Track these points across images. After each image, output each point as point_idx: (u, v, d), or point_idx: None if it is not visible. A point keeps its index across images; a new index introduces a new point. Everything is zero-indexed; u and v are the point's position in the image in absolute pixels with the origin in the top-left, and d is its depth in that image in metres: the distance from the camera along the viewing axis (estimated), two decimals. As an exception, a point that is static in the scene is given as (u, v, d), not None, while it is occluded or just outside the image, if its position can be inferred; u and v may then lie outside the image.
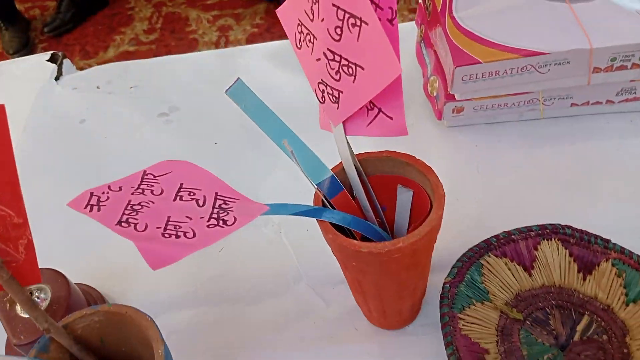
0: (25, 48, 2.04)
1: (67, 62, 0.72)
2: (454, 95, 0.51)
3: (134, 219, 0.33)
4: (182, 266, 0.41)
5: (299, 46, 0.36)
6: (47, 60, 0.72)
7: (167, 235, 0.31)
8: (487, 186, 0.51)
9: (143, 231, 0.32)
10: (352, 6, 0.30)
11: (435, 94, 0.54)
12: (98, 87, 0.67)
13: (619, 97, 0.52)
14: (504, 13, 0.50)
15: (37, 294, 0.41)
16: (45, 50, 2.06)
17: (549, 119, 0.54)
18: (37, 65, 0.72)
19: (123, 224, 0.32)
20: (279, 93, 0.63)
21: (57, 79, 0.70)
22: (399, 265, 0.34)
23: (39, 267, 0.31)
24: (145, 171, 0.37)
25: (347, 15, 0.31)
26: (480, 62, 0.47)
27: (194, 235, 0.32)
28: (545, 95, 0.51)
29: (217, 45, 1.95)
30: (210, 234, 0.32)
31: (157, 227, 0.33)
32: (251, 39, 1.95)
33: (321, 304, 0.46)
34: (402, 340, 0.43)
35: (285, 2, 0.36)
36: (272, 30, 1.97)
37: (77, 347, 0.32)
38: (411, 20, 1.90)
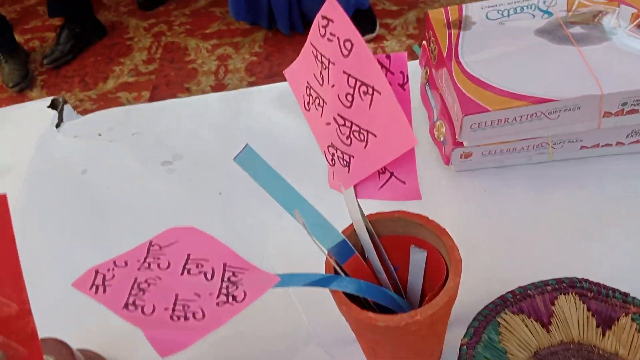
0: (25, 80, 2.04)
1: (67, 108, 0.72)
2: (460, 142, 0.50)
3: (141, 300, 0.32)
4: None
5: (307, 108, 0.35)
6: (48, 107, 0.71)
7: (175, 318, 0.30)
8: (499, 234, 0.50)
9: (151, 314, 0.31)
10: (364, 75, 0.29)
11: (442, 139, 0.53)
12: (99, 135, 0.67)
13: (630, 139, 0.51)
14: (511, 58, 0.49)
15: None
16: (44, 82, 2.06)
17: (558, 162, 0.53)
18: (37, 111, 0.71)
19: (130, 307, 0.31)
20: (284, 138, 0.62)
21: (57, 126, 0.69)
22: (417, 336, 0.33)
23: (40, 336, 0.29)
24: (151, 242, 0.36)
25: (358, 83, 0.30)
26: (489, 111, 0.46)
27: (204, 316, 0.31)
28: (555, 139, 0.50)
29: (216, 75, 1.95)
30: (220, 314, 0.31)
31: (165, 309, 0.31)
32: (250, 68, 1.95)
33: (332, 363, 0.45)
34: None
35: (293, 64, 0.35)
36: (271, 59, 1.98)
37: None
38: (409, 46, 1.89)
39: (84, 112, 0.81)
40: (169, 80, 1.96)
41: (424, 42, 0.58)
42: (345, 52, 0.29)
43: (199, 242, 0.36)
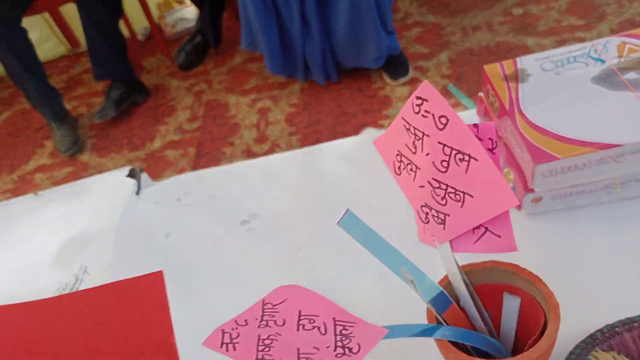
0: (76, 145, 2.15)
1: (144, 176, 0.77)
2: (531, 189, 0.52)
3: (269, 355, 0.35)
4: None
5: (398, 173, 0.39)
6: (127, 176, 0.76)
7: (304, 370, 0.33)
8: (576, 275, 0.52)
9: (279, 370, 0.34)
10: (461, 145, 0.33)
11: (511, 185, 0.56)
12: (178, 200, 0.71)
13: (695, 174, 0.53)
14: (572, 106, 0.52)
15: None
16: (94, 146, 2.16)
17: (627, 200, 0.55)
18: (115, 180, 0.76)
19: (259, 361, 0.34)
20: (359, 193, 0.65)
21: (137, 193, 0.74)
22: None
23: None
24: (264, 301, 0.39)
25: (454, 152, 0.33)
26: (559, 159, 0.48)
27: (327, 367, 0.34)
28: (622, 179, 0.53)
29: (257, 127, 2.02)
30: (342, 364, 0.34)
31: (291, 361, 0.34)
32: (290, 118, 2.02)
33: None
34: None
35: (383, 135, 0.39)
36: (309, 108, 2.04)
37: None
38: (444, 86, 1.93)
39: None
40: (213, 136, 2.03)
41: (481, 94, 0.62)
42: (441, 126, 0.33)
43: (306, 298, 0.40)
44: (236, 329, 0.37)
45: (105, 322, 0.28)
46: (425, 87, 0.32)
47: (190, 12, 2.68)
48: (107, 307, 0.26)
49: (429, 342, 0.39)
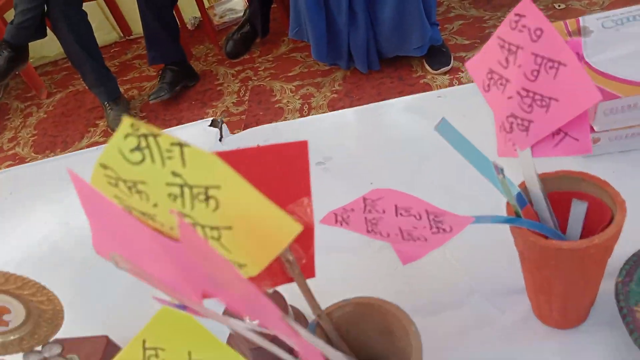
0: (128, 125, 2.25)
1: (224, 127, 0.85)
2: (591, 127, 0.58)
3: (376, 228, 0.42)
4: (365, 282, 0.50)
5: (487, 89, 0.45)
6: (209, 126, 0.84)
7: (407, 239, 0.40)
8: (631, 217, 0.57)
9: (387, 237, 0.41)
10: (552, 53, 0.39)
11: (571, 130, 0.62)
12: (258, 145, 0.79)
13: None
14: (633, 57, 0.58)
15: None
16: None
17: (678, 146, 0.61)
18: (201, 130, 0.84)
19: (369, 233, 0.41)
20: (420, 142, 0.72)
21: (220, 139, 0.82)
22: (591, 260, 0.41)
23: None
24: (364, 197, 0.46)
25: (545, 60, 0.40)
26: (620, 97, 0.54)
27: (426, 240, 0.41)
28: (675, 124, 0.58)
29: (300, 112, 2.10)
30: (437, 239, 0.41)
31: (396, 234, 0.41)
32: (332, 104, 2.09)
33: (497, 312, 0.53)
34: (579, 337, 0.49)
35: (475, 57, 0.46)
36: (351, 95, 2.11)
37: (335, 334, 0.41)
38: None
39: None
40: (259, 119, 2.12)
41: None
42: (535, 38, 0.39)
43: (400, 197, 0.46)
44: (345, 213, 0.44)
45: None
46: (525, 4, 0.39)
47: (237, 4, 2.77)
48: (250, 169, 0.33)
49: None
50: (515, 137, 0.44)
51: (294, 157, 0.40)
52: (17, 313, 0.40)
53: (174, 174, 0.24)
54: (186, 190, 0.24)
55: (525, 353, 0.50)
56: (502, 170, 0.42)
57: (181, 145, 0.23)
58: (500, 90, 0.44)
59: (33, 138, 2.42)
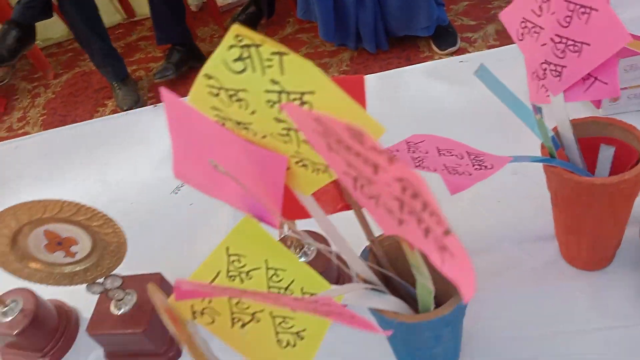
0: (137, 104, 2.27)
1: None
2: (613, 85, 0.61)
3: (422, 164, 0.44)
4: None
5: (520, 38, 0.48)
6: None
7: (452, 173, 0.43)
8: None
9: (435, 172, 0.44)
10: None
11: (591, 87, 0.64)
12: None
13: None
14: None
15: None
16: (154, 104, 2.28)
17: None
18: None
19: (417, 168, 0.44)
20: (439, 101, 0.75)
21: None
22: (622, 195, 0.44)
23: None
24: (406, 141, 0.49)
25: (577, 7, 0.42)
26: (641, 53, 0.57)
27: (470, 174, 0.44)
28: (692, 81, 0.61)
29: (308, 92, 2.12)
30: (481, 173, 0.44)
31: (442, 170, 0.44)
32: (340, 84, 2.11)
33: (526, 256, 0.56)
34: (605, 278, 0.52)
35: (508, 8, 0.48)
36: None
37: (385, 259, 0.43)
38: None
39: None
40: (267, 99, 2.13)
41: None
42: (570, -16, 0.42)
43: (440, 140, 0.49)
44: (395, 150, 0.47)
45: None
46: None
47: (242, -15, 2.78)
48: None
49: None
50: (549, 82, 0.47)
51: (352, 89, 0.43)
52: (83, 244, 0.43)
53: (273, 81, 0.26)
54: (283, 96, 0.26)
55: (554, 293, 0.53)
56: (540, 109, 0.45)
57: (281, 53, 0.25)
58: (534, 38, 0.47)
59: (42, 117, 2.44)
